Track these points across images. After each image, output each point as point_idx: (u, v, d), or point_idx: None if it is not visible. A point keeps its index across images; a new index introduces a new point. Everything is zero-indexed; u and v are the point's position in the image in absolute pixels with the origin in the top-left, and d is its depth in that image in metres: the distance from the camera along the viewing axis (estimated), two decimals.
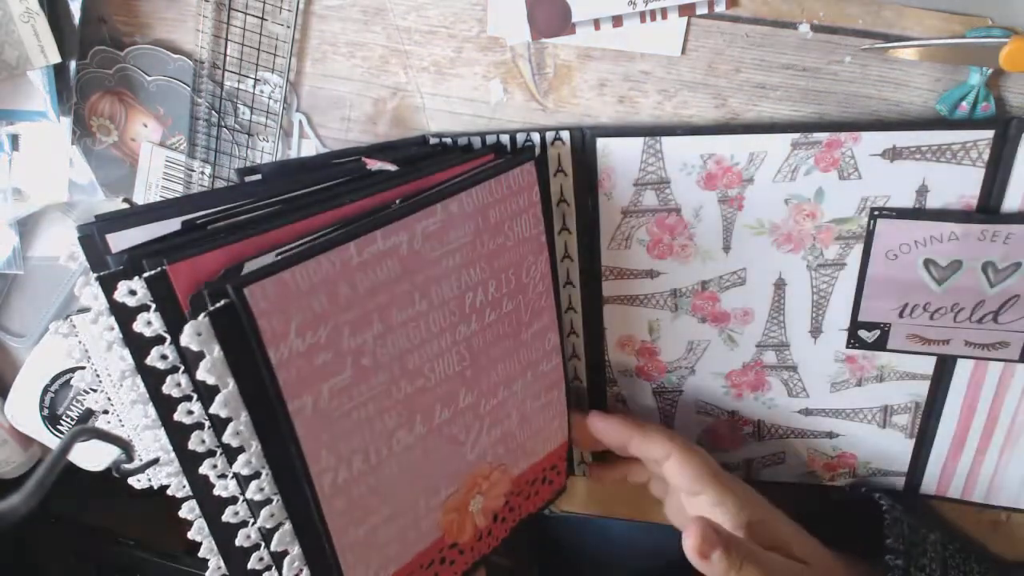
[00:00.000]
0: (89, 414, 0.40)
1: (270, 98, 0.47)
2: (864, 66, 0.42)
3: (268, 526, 0.35)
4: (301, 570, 0.37)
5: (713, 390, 0.52)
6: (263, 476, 0.34)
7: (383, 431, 0.37)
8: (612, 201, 0.46)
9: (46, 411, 0.53)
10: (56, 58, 0.44)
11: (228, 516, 0.36)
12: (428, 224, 0.37)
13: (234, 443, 0.32)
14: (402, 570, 0.41)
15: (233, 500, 0.35)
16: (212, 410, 0.31)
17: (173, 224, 0.36)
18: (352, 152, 0.43)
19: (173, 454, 0.35)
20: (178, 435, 0.34)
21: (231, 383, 0.31)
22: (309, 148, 0.49)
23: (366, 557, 0.38)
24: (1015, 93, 0.41)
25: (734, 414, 0.52)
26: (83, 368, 0.38)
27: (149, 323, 0.31)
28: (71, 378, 0.53)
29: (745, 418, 0.52)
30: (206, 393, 0.31)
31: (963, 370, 0.48)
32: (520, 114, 0.46)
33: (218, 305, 0.30)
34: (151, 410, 0.34)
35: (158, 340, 0.32)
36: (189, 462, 0.34)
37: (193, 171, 0.49)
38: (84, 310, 0.34)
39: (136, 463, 0.37)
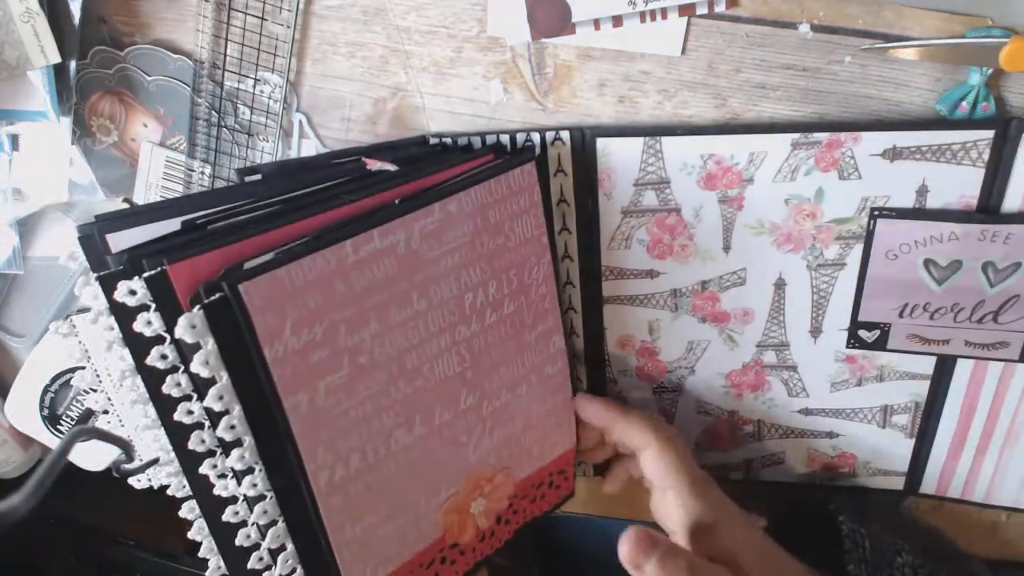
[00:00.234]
0: (89, 414, 0.40)
1: (270, 98, 0.47)
2: (864, 66, 0.42)
3: (262, 522, 0.35)
4: (295, 567, 0.37)
5: (713, 390, 0.52)
6: (257, 472, 0.34)
7: (381, 430, 0.37)
8: (612, 201, 0.46)
9: (46, 411, 0.53)
10: (56, 58, 0.44)
11: (228, 516, 0.36)
12: (426, 224, 0.37)
13: (228, 437, 0.32)
14: (401, 568, 0.41)
15: (233, 500, 0.35)
16: (206, 403, 0.31)
17: (173, 224, 0.36)
18: (352, 152, 0.43)
19: (173, 454, 0.35)
20: (178, 435, 0.34)
21: (225, 376, 0.31)
22: (309, 148, 0.49)
23: (364, 555, 0.38)
24: (1015, 93, 0.41)
25: (734, 414, 0.52)
26: (83, 368, 0.38)
27: (149, 323, 0.31)
28: (71, 378, 0.53)
29: (745, 418, 0.52)
30: (202, 387, 0.32)
31: (963, 370, 0.48)
32: (520, 114, 0.46)
33: (213, 298, 0.30)
34: (151, 410, 0.34)
35: (158, 340, 0.32)
36: (189, 462, 0.34)
37: (193, 171, 0.49)
38: (84, 310, 0.34)
39: (136, 463, 0.37)
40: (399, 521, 0.40)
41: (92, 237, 0.34)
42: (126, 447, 0.36)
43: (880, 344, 0.47)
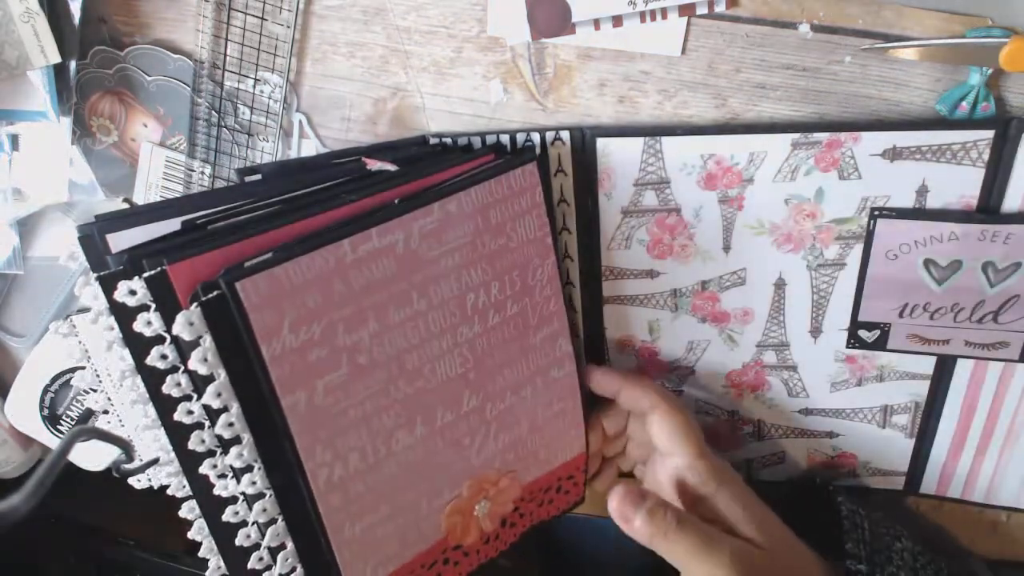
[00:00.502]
0: (89, 414, 0.40)
1: (270, 98, 0.47)
2: (864, 66, 0.42)
3: (262, 520, 0.35)
4: (295, 566, 0.37)
5: (713, 390, 0.52)
6: (256, 470, 0.34)
7: (381, 430, 0.37)
8: (612, 201, 0.46)
9: (46, 411, 0.53)
10: (56, 58, 0.44)
11: (228, 516, 0.36)
12: (425, 223, 0.37)
13: (226, 434, 0.32)
14: (402, 568, 0.41)
15: (233, 500, 0.35)
16: (204, 400, 0.32)
17: (173, 224, 0.36)
18: (352, 152, 0.43)
19: (173, 454, 0.35)
20: (178, 435, 0.34)
21: (223, 373, 0.31)
22: (309, 148, 0.49)
23: (364, 554, 0.38)
24: (1015, 93, 0.41)
25: (734, 414, 0.52)
26: (83, 368, 0.38)
27: (149, 323, 0.31)
28: (71, 378, 0.53)
29: (745, 418, 0.52)
30: (200, 384, 0.32)
31: (963, 370, 0.48)
32: (520, 114, 0.46)
33: (210, 296, 0.31)
34: (151, 410, 0.34)
35: (158, 340, 0.32)
36: (189, 462, 0.34)
37: (193, 171, 0.49)
38: (84, 310, 0.34)
39: (136, 463, 0.37)
40: (400, 521, 0.40)
41: (92, 237, 0.34)
42: (126, 447, 0.37)
43: (880, 344, 0.47)
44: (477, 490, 0.43)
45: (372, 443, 0.37)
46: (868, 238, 0.45)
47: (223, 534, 0.36)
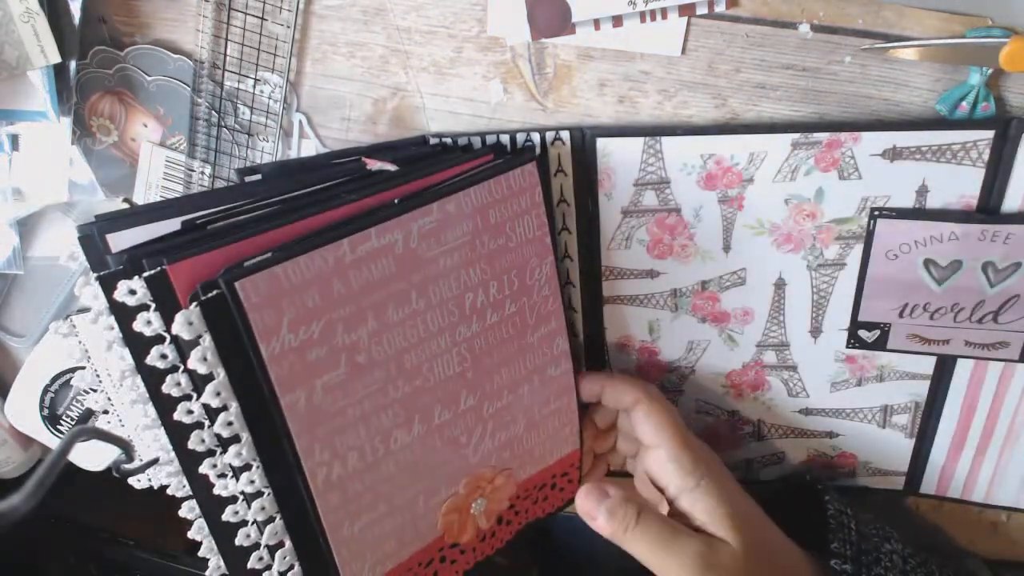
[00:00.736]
0: (89, 414, 0.40)
1: (270, 98, 0.47)
2: (864, 66, 0.42)
3: (260, 519, 0.35)
4: (293, 564, 0.37)
5: (713, 390, 0.52)
6: (254, 468, 0.34)
7: (380, 429, 0.37)
8: (612, 201, 0.46)
9: (46, 411, 0.53)
10: (56, 58, 0.44)
11: (228, 515, 0.36)
12: (424, 223, 0.37)
13: (225, 433, 0.32)
14: (400, 566, 0.41)
15: (233, 499, 0.35)
16: (203, 399, 0.32)
17: (173, 224, 0.36)
18: (352, 152, 0.43)
19: (173, 454, 0.35)
20: (178, 434, 0.34)
21: (222, 372, 0.32)
22: (309, 148, 0.49)
23: (362, 552, 0.38)
24: (1015, 93, 0.41)
25: (734, 414, 0.52)
26: (83, 368, 0.38)
27: (149, 322, 0.31)
28: (71, 378, 0.53)
29: (745, 418, 0.52)
30: (199, 383, 0.32)
31: (963, 370, 0.48)
32: (520, 114, 0.46)
33: (210, 295, 0.31)
34: (151, 410, 0.34)
35: (158, 340, 0.32)
36: (189, 461, 0.34)
37: (193, 171, 0.49)
38: (84, 310, 0.34)
39: (136, 463, 0.37)
40: (397, 519, 0.40)
41: (92, 237, 0.34)
42: (126, 447, 0.37)
43: (880, 344, 0.47)
44: (473, 488, 0.43)
45: (370, 442, 0.37)
46: (868, 238, 0.45)
47: (223, 534, 0.36)
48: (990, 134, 0.41)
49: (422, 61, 0.45)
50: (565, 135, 0.45)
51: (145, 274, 0.31)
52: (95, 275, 0.32)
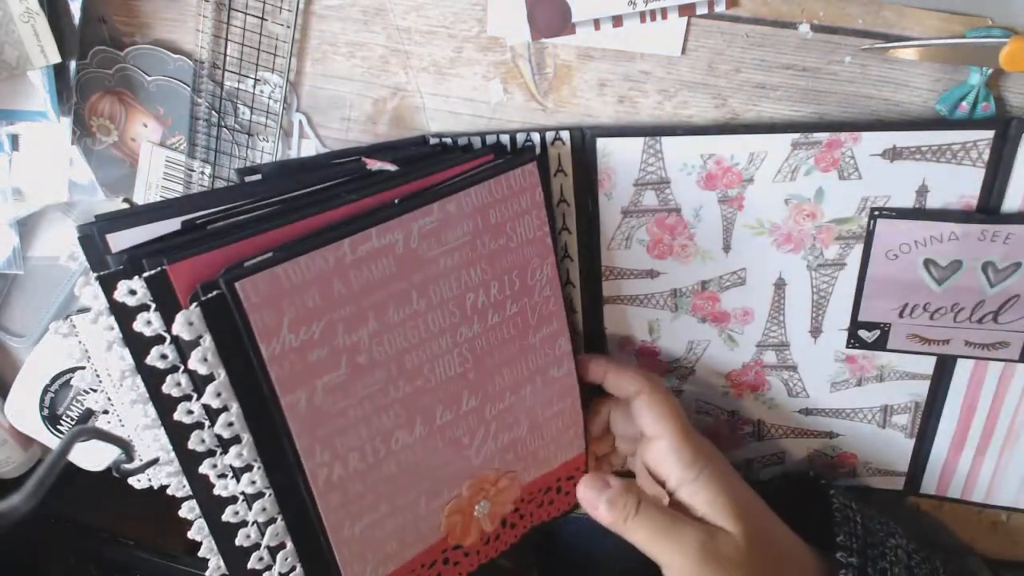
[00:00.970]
0: (89, 414, 0.40)
1: (270, 98, 0.47)
2: (864, 66, 0.42)
3: (261, 520, 0.35)
4: (295, 565, 0.37)
5: (713, 390, 0.52)
6: (255, 469, 0.34)
7: (381, 430, 0.37)
8: (612, 201, 0.46)
9: (46, 411, 0.53)
10: (56, 58, 0.44)
11: (228, 516, 0.36)
12: (424, 223, 0.37)
13: (226, 434, 0.32)
14: (402, 568, 0.41)
15: (233, 500, 0.35)
16: (204, 399, 0.32)
17: (173, 224, 0.36)
18: (352, 152, 0.43)
19: (173, 454, 0.35)
20: (178, 434, 0.34)
21: (222, 373, 0.32)
22: (309, 148, 0.49)
23: (363, 553, 0.38)
24: (1015, 93, 0.41)
25: (734, 414, 0.52)
26: (83, 368, 0.38)
27: (149, 322, 0.31)
28: (71, 378, 0.53)
29: (745, 418, 0.52)
30: (199, 384, 0.32)
31: (963, 370, 0.48)
32: (520, 114, 0.46)
33: (210, 295, 0.31)
34: (151, 410, 0.34)
35: (158, 340, 0.32)
36: (189, 461, 0.34)
37: (193, 171, 0.49)
38: (84, 310, 0.34)
39: (136, 463, 0.37)
40: (399, 520, 0.40)
41: (92, 237, 0.34)
42: (126, 447, 0.37)
43: (880, 344, 0.47)
44: (477, 490, 0.43)
45: (372, 443, 0.37)
46: (868, 238, 0.45)
47: (223, 534, 0.36)
48: (990, 134, 0.41)
49: (422, 61, 0.45)
50: (565, 135, 0.45)
51: (145, 274, 0.31)
52: (95, 275, 0.32)
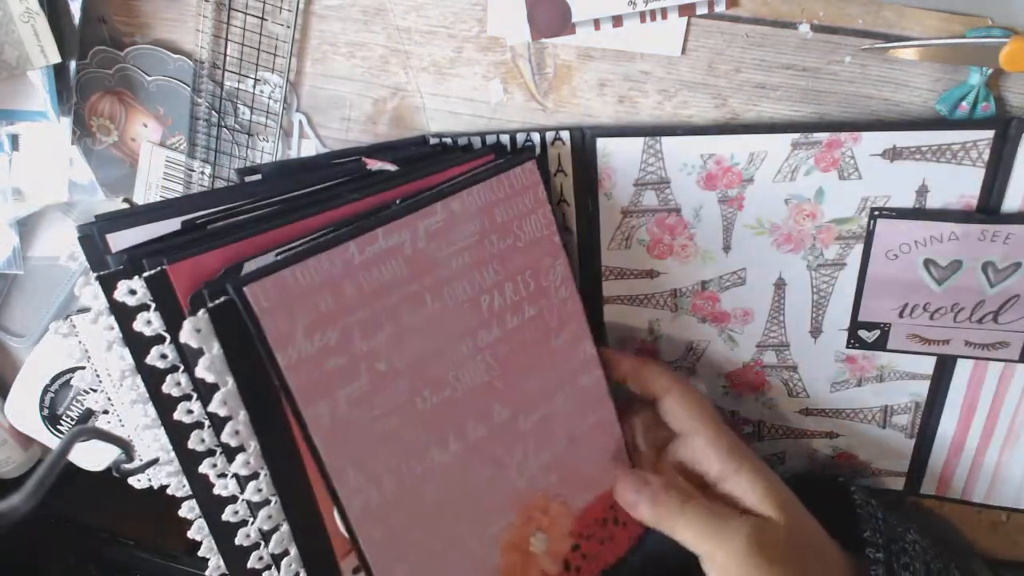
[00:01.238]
0: (89, 414, 0.40)
1: (270, 98, 0.47)
2: (864, 66, 0.42)
3: (266, 527, 0.35)
4: (299, 572, 0.37)
5: (713, 390, 0.52)
6: (262, 477, 0.34)
7: (413, 448, 0.35)
8: (612, 201, 0.46)
9: (46, 411, 0.54)
10: (56, 58, 0.44)
11: (228, 515, 0.35)
12: (430, 223, 0.36)
13: (232, 442, 0.32)
14: None
15: (233, 499, 0.35)
16: (211, 408, 0.31)
17: (173, 224, 0.36)
18: (352, 152, 0.43)
19: (173, 453, 0.35)
20: (178, 434, 0.34)
21: (230, 381, 0.31)
22: (309, 148, 0.49)
23: None
24: (1015, 93, 0.41)
25: (734, 414, 0.52)
26: (83, 368, 0.38)
27: (149, 322, 0.31)
28: (71, 378, 0.53)
29: (745, 418, 0.52)
30: (205, 391, 0.31)
31: (963, 370, 0.48)
32: (520, 114, 0.46)
33: (218, 302, 0.30)
34: (151, 409, 0.34)
35: (158, 339, 0.32)
36: (189, 461, 0.34)
37: (193, 171, 0.49)
38: (84, 310, 0.34)
39: (136, 463, 0.37)
40: (452, 559, 0.36)
41: (92, 237, 0.34)
42: (126, 447, 0.37)
43: (880, 344, 0.47)
44: (527, 518, 0.40)
45: (406, 463, 0.35)
46: (868, 238, 0.45)
47: (223, 533, 0.36)
48: (990, 134, 0.41)
49: (422, 61, 0.45)
50: (565, 135, 0.45)
51: (145, 274, 0.31)
52: (95, 275, 0.32)
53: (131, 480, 0.39)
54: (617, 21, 0.42)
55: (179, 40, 0.47)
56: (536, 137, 0.45)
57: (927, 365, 0.48)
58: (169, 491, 0.37)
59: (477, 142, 0.46)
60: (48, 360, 0.53)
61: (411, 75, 0.46)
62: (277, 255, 0.33)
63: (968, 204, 0.43)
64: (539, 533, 0.41)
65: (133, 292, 0.31)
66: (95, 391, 0.39)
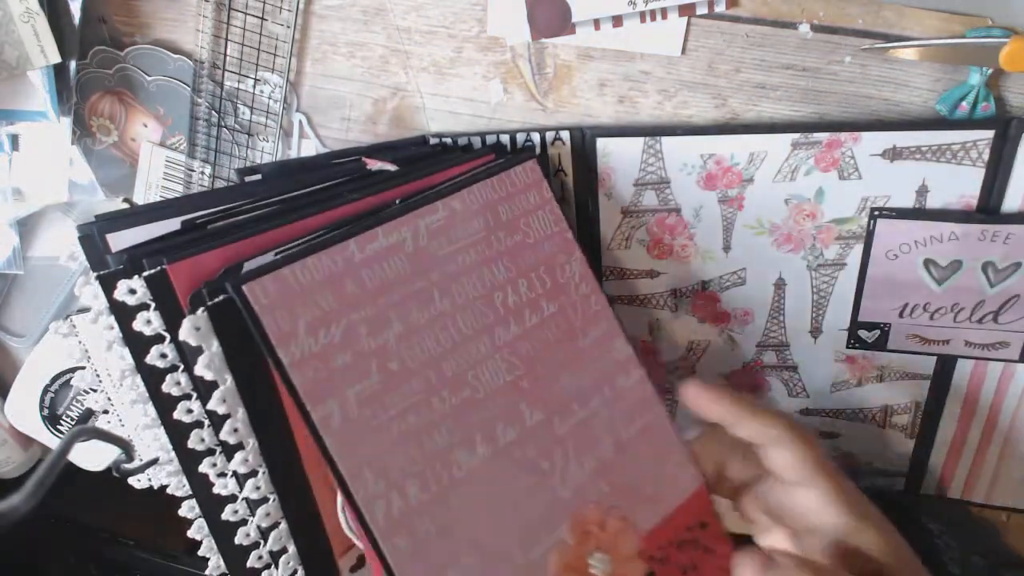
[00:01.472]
0: (89, 414, 0.40)
1: (270, 98, 0.47)
2: (864, 66, 0.42)
3: (264, 525, 0.35)
4: (297, 569, 0.37)
5: None
6: (260, 475, 0.34)
7: (436, 451, 0.33)
8: (612, 201, 0.46)
9: (46, 411, 0.54)
10: (56, 58, 0.44)
11: (227, 515, 0.35)
12: (431, 221, 0.36)
13: (231, 440, 0.32)
14: None
15: (232, 499, 0.35)
16: (210, 406, 0.31)
17: (173, 224, 0.36)
18: (352, 152, 0.43)
19: (172, 453, 0.35)
20: (177, 434, 0.34)
21: (229, 379, 0.31)
22: (309, 148, 0.49)
23: None
24: (1015, 93, 0.41)
25: None
26: (83, 368, 0.38)
27: (149, 322, 0.31)
28: (71, 378, 0.53)
29: None
30: (204, 390, 0.31)
31: (963, 370, 0.48)
32: (520, 114, 0.46)
33: (217, 300, 0.30)
34: (151, 409, 0.34)
35: (158, 339, 0.32)
36: (188, 461, 0.34)
37: (193, 171, 0.49)
38: (84, 310, 0.34)
39: (136, 463, 0.37)
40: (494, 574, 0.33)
41: (92, 237, 0.34)
42: (126, 447, 0.37)
43: (880, 344, 0.47)
44: (581, 533, 0.36)
45: (430, 467, 0.33)
46: (868, 238, 0.45)
47: (223, 533, 0.36)
48: (990, 134, 0.41)
49: (422, 61, 0.45)
50: (565, 135, 0.45)
51: (145, 273, 0.31)
52: (95, 275, 0.32)
53: (131, 480, 0.39)
54: (617, 21, 0.42)
55: (179, 40, 0.47)
56: (536, 137, 0.45)
57: (927, 365, 0.48)
58: (169, 491, 0.37)
59: (477, 142, 0.46)
60: (48, 360, 0.53)
61: (411, 75, 0.46)
62: (277, 255, 0.33)
63: (968, 204, 0.43)
64: (598, 553, 0.36)
65: (133, 292, 0.31)
66: (95, 391, 0.39)
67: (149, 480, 0.39)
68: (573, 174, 0.46)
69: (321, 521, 0.36)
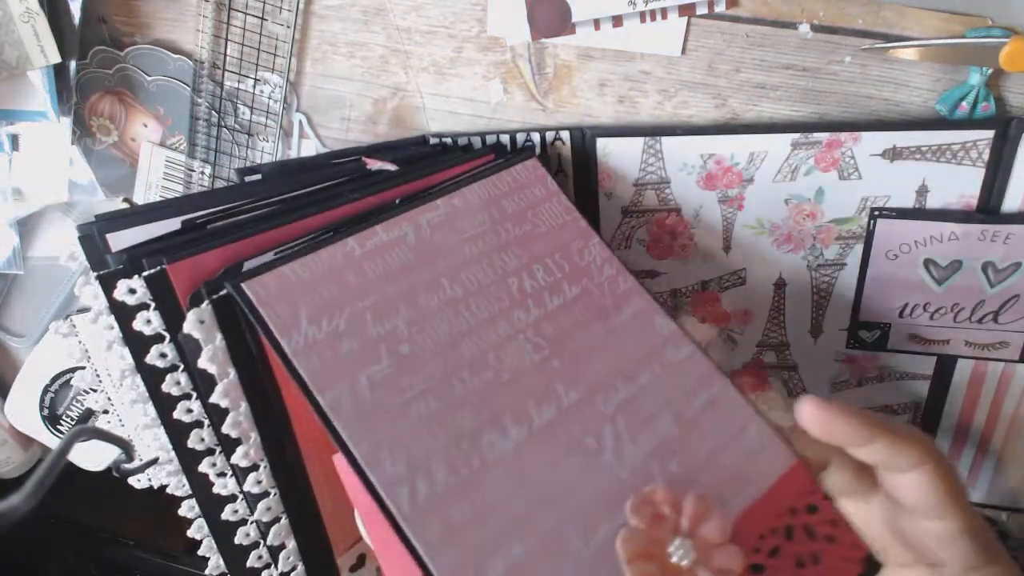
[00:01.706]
0: (89, 414, 0.40)
1: (270, 98, 0.47)
2: (864, 66, 0.42)
3: (265, 520, 0.35)
4: (296, 564, 0.37)
5: None
6: (261, 469, 0.34)
7: (462, 433, 0.32)
8: (612, 201, 0.46)
9: (46, 411, 0.54)
10: (56, 58, 0.44)
11: (227, 514, 0.36)
12: (432, 216, 0.36)
13: (233, 434, 0.32)
14: None
15: (232, 498, 0.35)
16: (212, 399, 0.31)
17: (173, 224, 0.36)
18: (352, 152, 0.43)
19: (172, 453, 0.35)
20: (177, 433, 0.34)
21: (232, 372, 0.31)
22: (309, 148, 0.49)
23: None
24: (1015, 93, 0.41)
25: None
26: (83, 368, 0.38)
27: (149, 321, 0.31)
28: (71, 378, 0.53)
29: None
30: (205, 386, 0.32)
31: (963, 370, 0.48)
32: (520, 114, 0.46)
33: (222, 293, 0.30)
34: (151, 409, 0.34)
35: (158, 339, 0.32)
36: (188, 460, 0.34)
37: (193, 171, 0.49)
38: (84, 310, 0.34)
39: (136, 463, 0.37)
40: (549, 566, 0.30)
41: (92, 237, 0.35)
42: (126, 447, 0.37)
43: (880, 344, 0.47)
44: (649, 516, 0.32)
45: (458, 447, 0.31)
46: (868, 238, 0.45)
47: (222, 532, 0.36)
48: (990, 134, 0.41)
49: (422, 61, 0.45)
50: (565, 135, 0.45)
51: (145, 273, 0.31)
52: (95, 274, 0.32)
53: (131, 480, 0.39)
54: (617, 21, 0.42)
55: (179, 40, 0.47)
56: (536, 137, 0.45)
57: (927, 365, 0.48)
58: (169, 490, 0.37)
59: (477, 142, 0.46)
60: (48, 360, 0.53)
61: (411, 75, 0.46)
62: (276, 255, 0.33)
63: (968, 204, 0.43)
64: (678, 539, 0.31)
65: (133, 291, 0.31)
66: (95, 391, 0.39)
67: (149, 480, 0.39)
68: (573, 174, 0.46)
69: (321, 519, 0.36)
